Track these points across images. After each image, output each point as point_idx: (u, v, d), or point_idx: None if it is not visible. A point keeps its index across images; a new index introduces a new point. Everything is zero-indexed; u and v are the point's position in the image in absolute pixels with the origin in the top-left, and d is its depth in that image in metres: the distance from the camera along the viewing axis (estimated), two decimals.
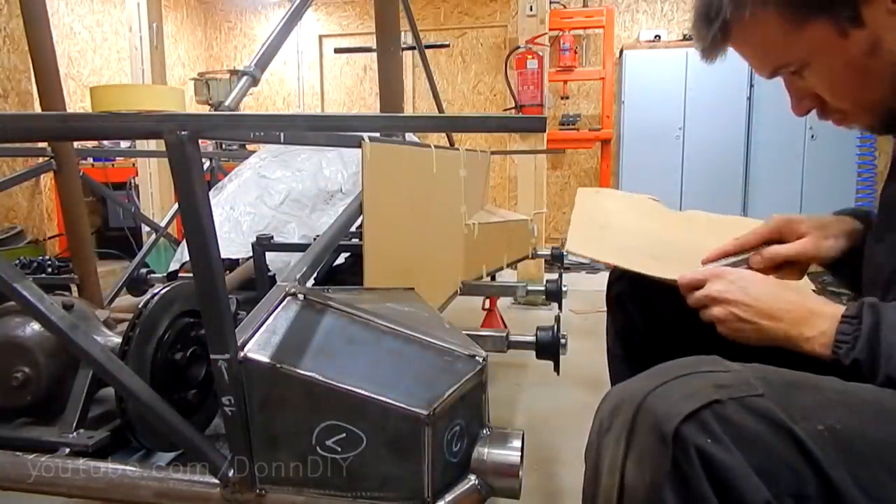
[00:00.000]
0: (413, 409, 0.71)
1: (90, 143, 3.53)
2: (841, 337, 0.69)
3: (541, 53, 3.76)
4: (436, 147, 1.84)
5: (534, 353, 1.41)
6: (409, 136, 1.37)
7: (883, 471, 0.52)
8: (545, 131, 0.61)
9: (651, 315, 1.06)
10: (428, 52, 2.65)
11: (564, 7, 5.76)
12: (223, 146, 3.92)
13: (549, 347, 1.39)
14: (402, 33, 2.05)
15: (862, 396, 0.58)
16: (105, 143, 3.54)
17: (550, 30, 4.31)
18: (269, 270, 1.55)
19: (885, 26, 0.72)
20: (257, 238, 1.52)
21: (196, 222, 0.68)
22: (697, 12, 0.82)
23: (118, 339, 1.01)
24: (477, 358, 0.81)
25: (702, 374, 0.56)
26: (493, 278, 2.44)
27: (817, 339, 0.71)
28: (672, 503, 0.50)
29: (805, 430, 0.52)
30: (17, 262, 2.56)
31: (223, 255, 1.15)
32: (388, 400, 0.72)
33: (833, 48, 0.74)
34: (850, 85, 0.76)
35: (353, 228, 1.19)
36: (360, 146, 1.07)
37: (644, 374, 0.60)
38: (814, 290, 0.93)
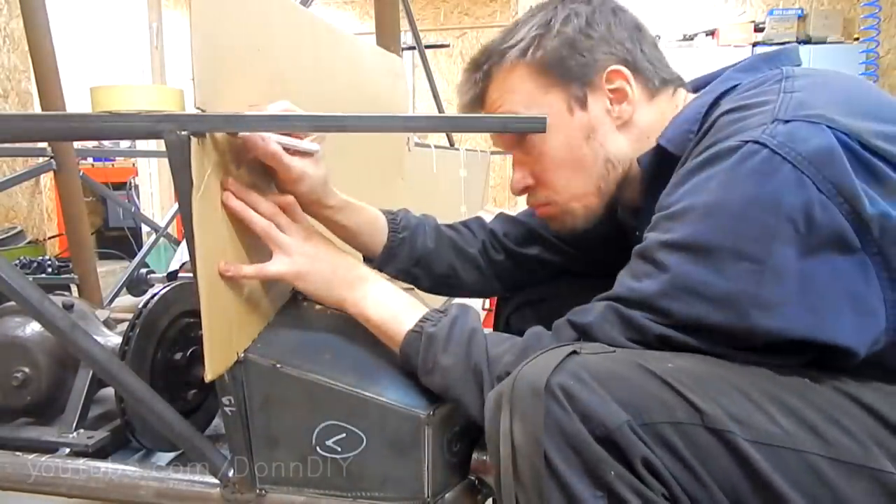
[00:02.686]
0: (413, 409, 0.71)
1: (90, 143, 3.52)
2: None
3: None
4: (436, 147, 1.85)
5: None
6: (413, 138, 1.37)
7: (733, 392, 0.55)
8: (545, 131, 0.63)
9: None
10: (428, 52, 2.66)
11: None
12: None
13: None
14: (402, 33, 2.05)
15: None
16: (105, 143, 3.54)
17: None
18: None
19: (599, 120, 0.75)
20: None
21: None
22: (469, 64, 0.81)
23: (118, 339, 1.01)
24: None
25: (560, 346, 0.60)
26: None
27: None
28: (551, 447, 0.53)
29: (659, 369, 0.55)
30: (17, 262, 2.56)
31: None
32: (388, 400, 0.72)
33: (560, 122, 0.74)
34: (564, 167, 0.76)
35: None
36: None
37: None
38: None
